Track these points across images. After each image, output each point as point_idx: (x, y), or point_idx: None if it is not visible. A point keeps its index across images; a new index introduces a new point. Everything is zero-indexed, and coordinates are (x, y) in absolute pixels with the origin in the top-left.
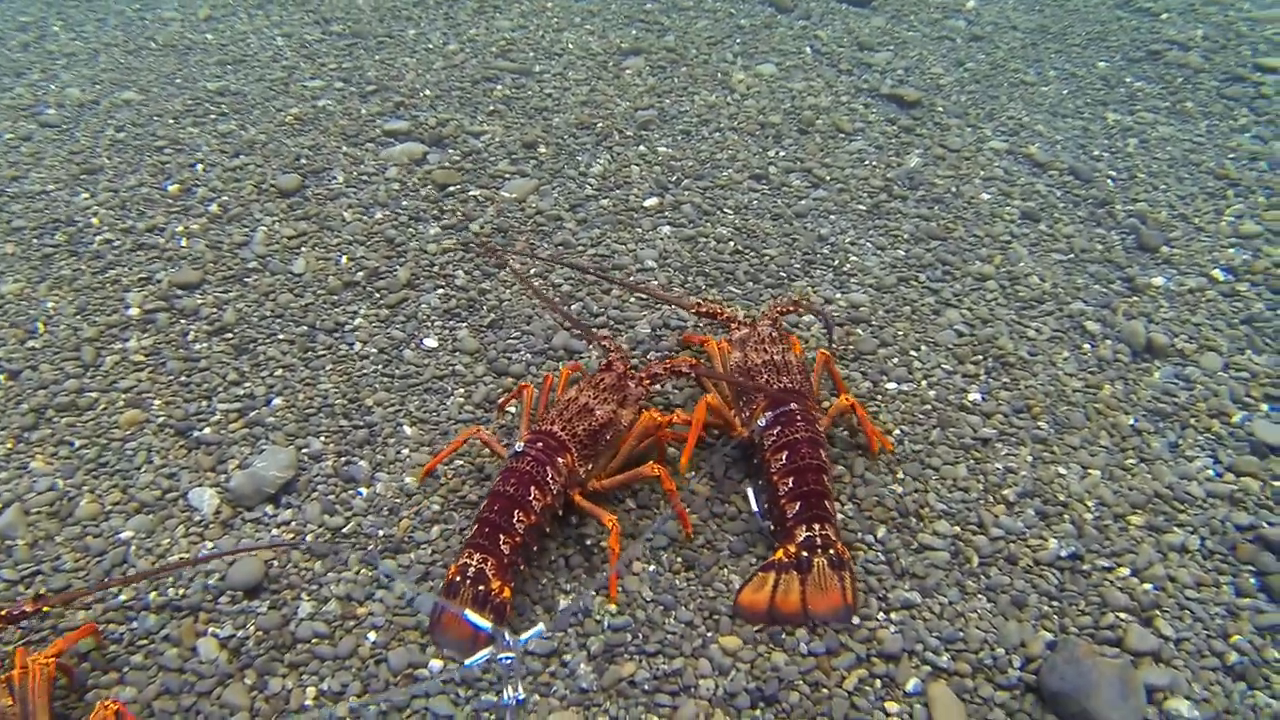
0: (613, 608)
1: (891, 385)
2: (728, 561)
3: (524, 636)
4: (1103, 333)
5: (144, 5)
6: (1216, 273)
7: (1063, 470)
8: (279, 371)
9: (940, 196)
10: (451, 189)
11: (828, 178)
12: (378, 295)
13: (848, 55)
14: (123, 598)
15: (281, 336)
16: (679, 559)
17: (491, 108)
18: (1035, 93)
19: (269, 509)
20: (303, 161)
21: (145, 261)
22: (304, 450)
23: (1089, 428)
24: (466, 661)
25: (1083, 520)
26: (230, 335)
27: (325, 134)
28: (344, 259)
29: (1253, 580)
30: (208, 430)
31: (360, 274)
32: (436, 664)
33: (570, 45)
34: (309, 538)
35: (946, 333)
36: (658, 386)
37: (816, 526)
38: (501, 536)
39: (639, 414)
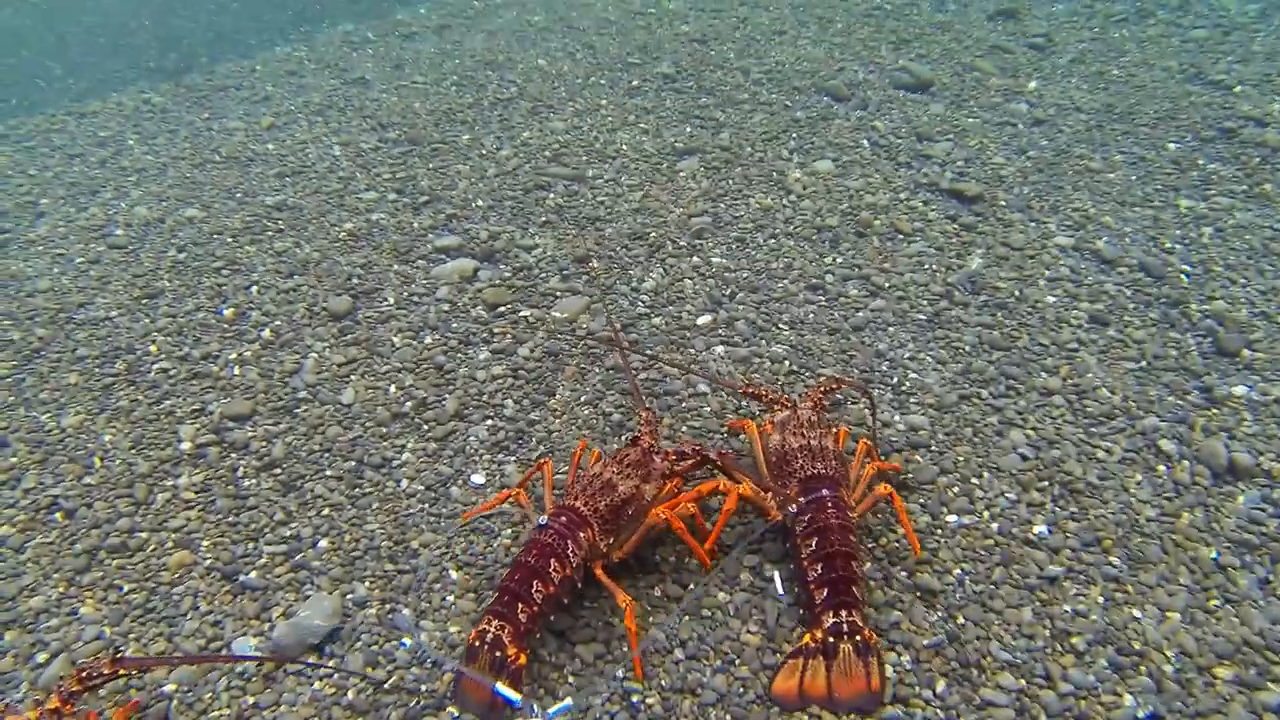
0: (639, 685)
1: (952, 518)
2: (778, 719)
3: (552, 710)
4: (1179, 453)
5: (212, 115)
6: None
7: (1138, 613)
8: (325, 511)
9: (1003, 302)
10: (502, 309)
11: (886, 285)
12: (425, 428)
13: (906, 147)
14: None
15: (329, 472)
16: (728, 716)
17: (544, 218)
18: (1102, 180)
19: (312, 660)
20: (354, 282)
21: (199, 392)
22: (349, 596)
23: (1166, 563)
24: None
25: (1161, 673)
26: (279, 471)
27: (378, 250)
28: (393, 388)
29: None
30: (254, 574)
31: (409, 404)
32: None
33: (624, 146)
34: (350, 693)
35: (1010, 456)
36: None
37: (844, 613)
38: (520, 605)
39: (662, 489)
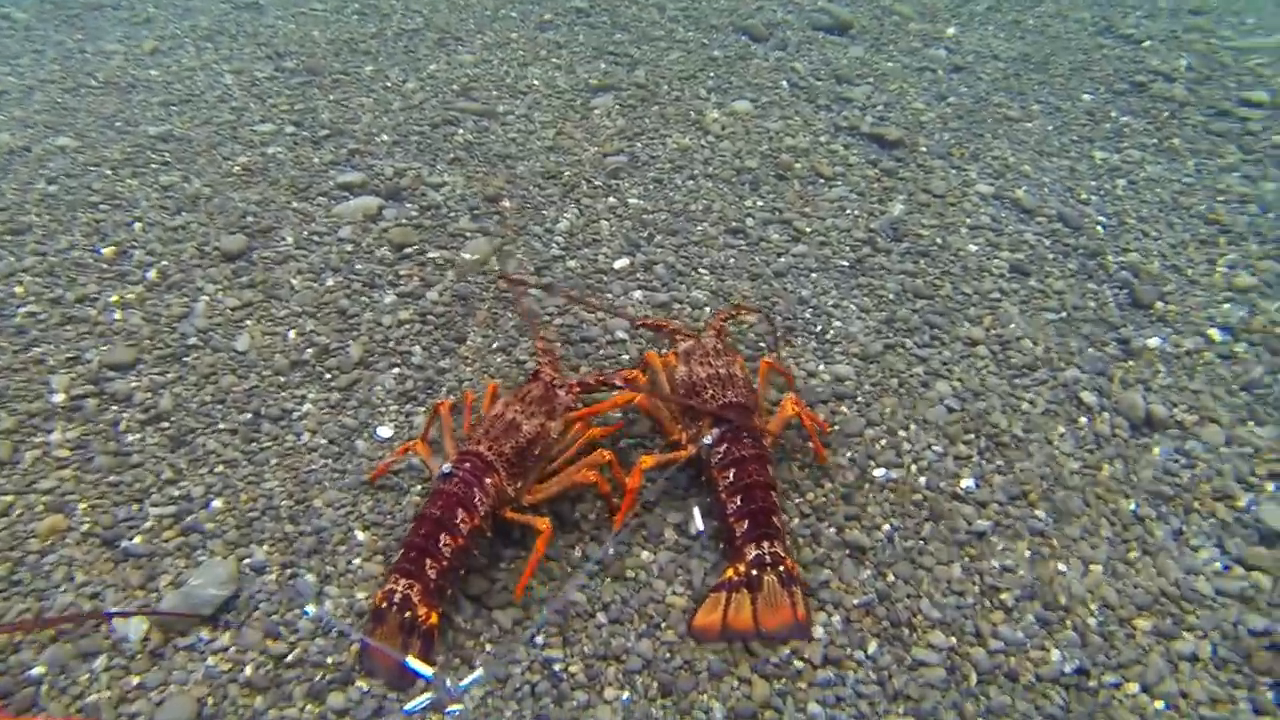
0: (518, 601)
1: (879, 472)
2: (708, 685)
3: (464, 682)
4: (1099, 404)
5: (86, 35)
6: (1213, 332)
7: (1063, 567)
8: (219, 468)
9: (926, 249)
10: (408, 250)
11: (808, 230)
12: (328, 377)
13: (826, 89)
14: None
15: (223, 426)
16: (655, 683)
17: (452, 155)
18: (1020, 129)
19: (204, 634)
20: (249, 220)
21: (74, 338)
22: (245, 561)
23: (1088, 515)
24: (404, 708)
25: (1086, 627)
26: (166, 425)
27: (275, 187)
28: (292, 333)
29: (1270, 694)
30: (138, 540)
31: (309, 351)
32: None
33: (536, 82)
34: (249, 668)
35: (937, 409)
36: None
37: (765, 544)
38: (428, 560)
39: (569, 424)
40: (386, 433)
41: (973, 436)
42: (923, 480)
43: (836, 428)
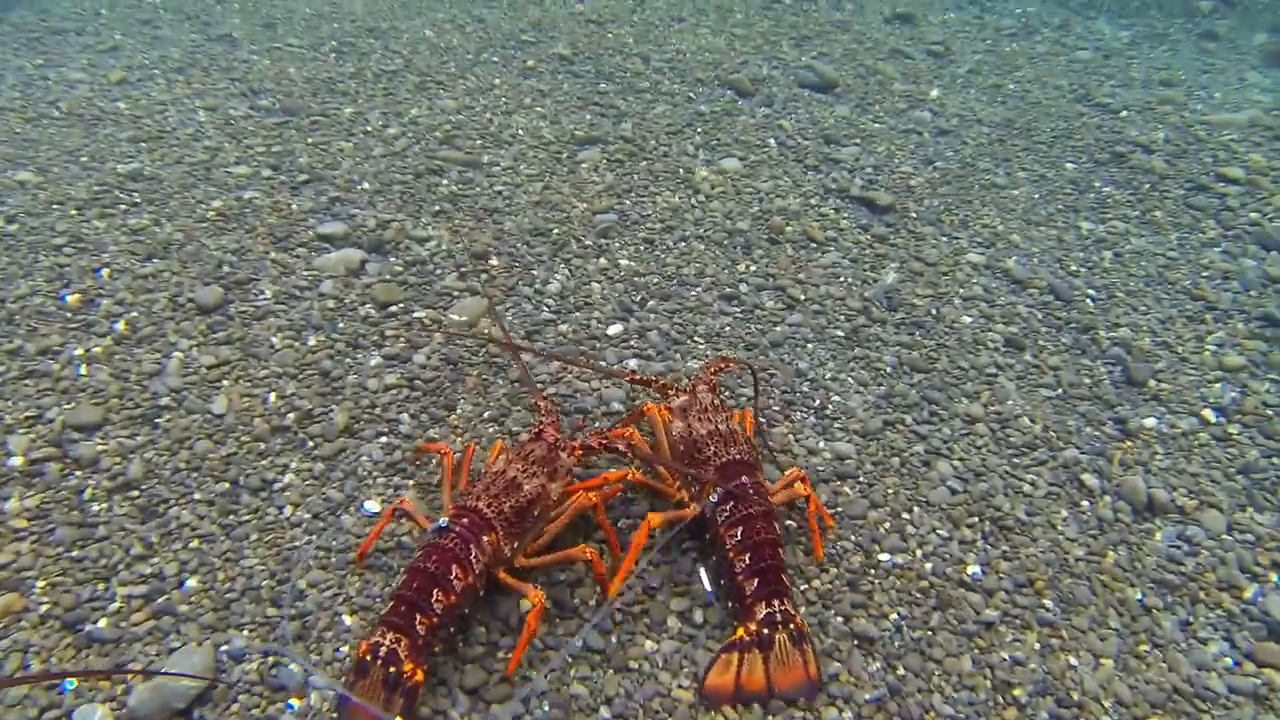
0: (510, 676)
1: (885, 557)
2: None
3: None
4: (1101, 487)
5: (47, 61)
6: (1208, 413)
7: (1074, 660)
8: (194, 543)
9: (921, 320)
10: (393, 308)
11: (803, 297)
12: (311, 444)
13: (814, 150)
14: None
15: (198, 496)
16: None
17: (437, 207)
18: (1007, 197)
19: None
20: (225, 270)
21: (34, 394)
22: (223, 649)
23: (1096, 605)
24: None
25: None
26: (136, 494)
27: (252, 235)
28: (272, 396)
29: None
30: (103, 623)
31: (291, 416)
32: None
33: (521, 131)
34: None
35: (939, 490)
36: (592, 458)
37: (776, 602)
38: (418, 616)
39: (569, 486)
40: (374, 507)
41: (976, 520)
42: (929, 566)
43: (840, 510)
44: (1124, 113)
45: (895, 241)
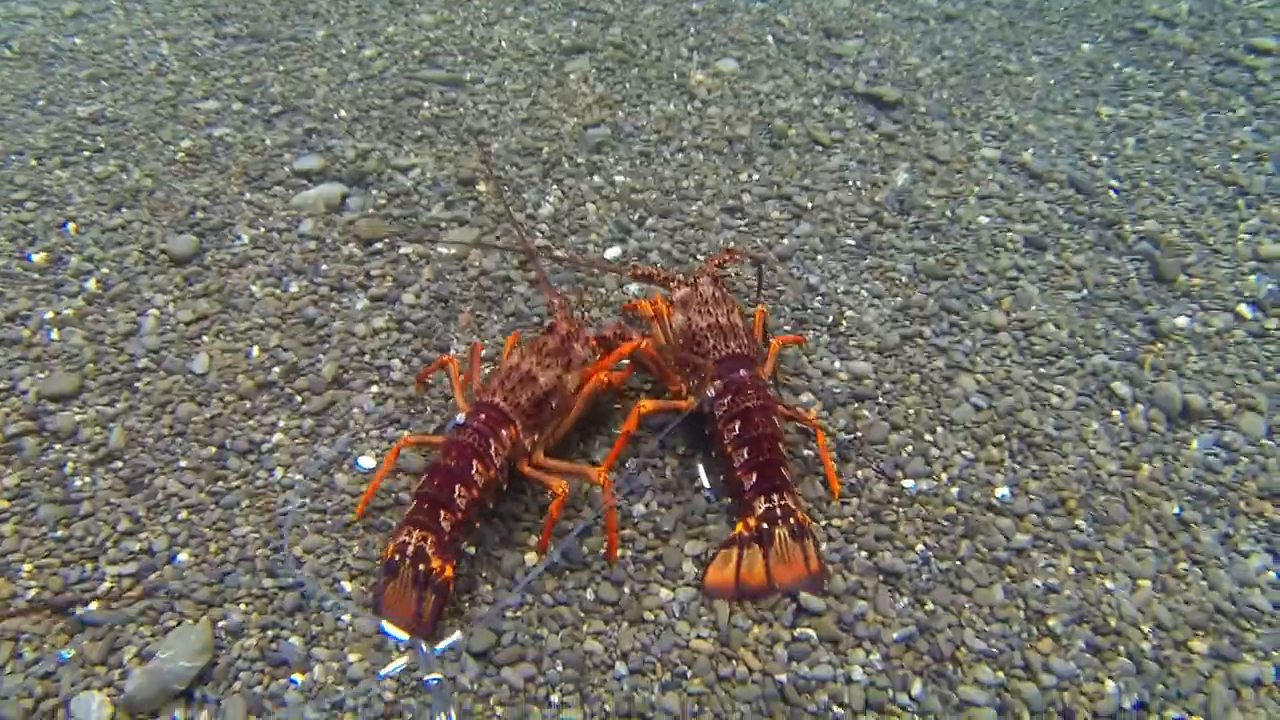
0: (532, 558)
1: (910, 483)
2: None
3: (439, 646)
4: (1132, 395)
5: None
6: (1243, 308)
7: (1110, 584)
8: (183, 514)
9: (935, 223)
10: (379, 246)
11: (810, 205)
12: (299, 400)
13: (814, 45)
14: None
15: (184, 464)
16: None
17: (419, 132)
18: (1021, 84)
19: (179, 713)
20: (198, 215)
21: (5, 364)
22: (221, 624)
23: (1131, 523)
24: (381, 672)
25: (1140, 653)
26: (120, 465)
27: (224, 175)
28: (255, 350)
29: None
30: (94, 606)
31: (276, 370)
32: None
33: (504, 44)
34: None
35: (963, 407)
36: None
37: (775, 497)
38: (442, 512)
39: (586, 378)
40: (369, 463)
41: (1003, 438)
42: (955, 491)
43: (860, 435)
44: None
45: (905, 140)
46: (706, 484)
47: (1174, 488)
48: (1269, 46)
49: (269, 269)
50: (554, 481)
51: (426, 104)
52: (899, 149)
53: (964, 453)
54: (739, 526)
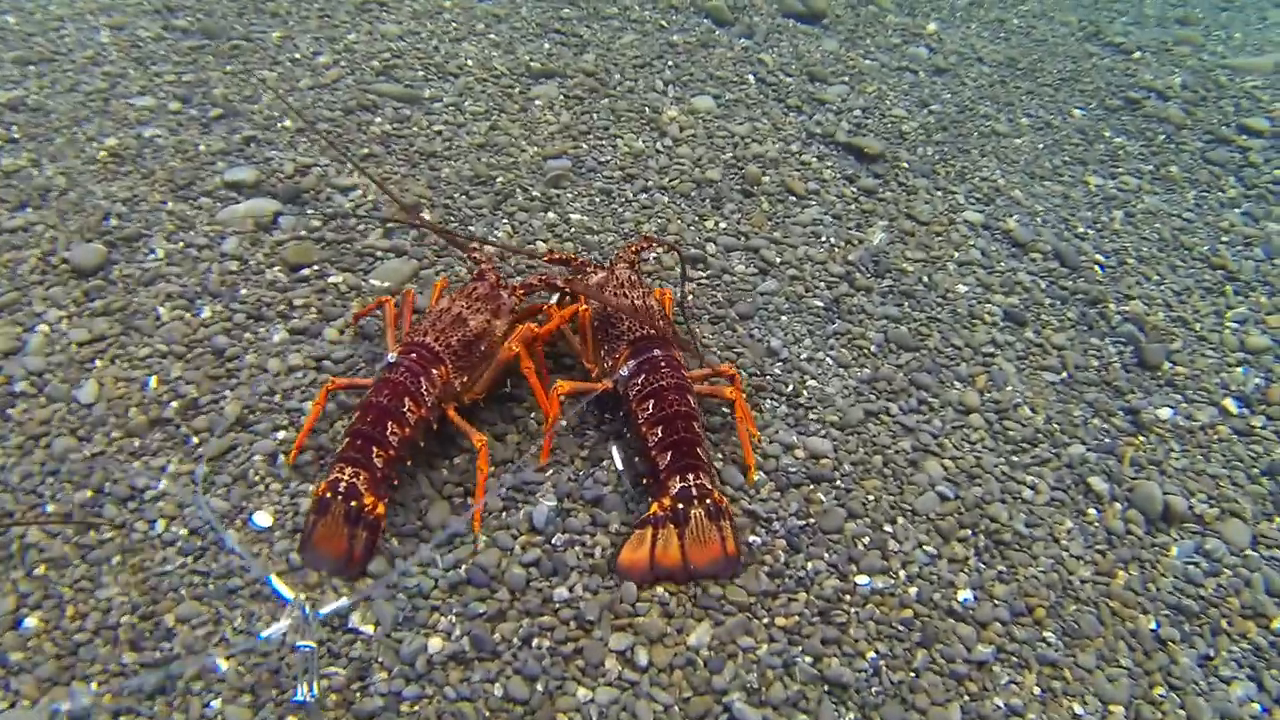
0: (482, 539)
1: (864, 580)
2: None
3: (324, 610)
4: (1110, 492)
5: None
6: (1229, 402)
7: (1079, 708)
8: (40, 569)
9: (911, 289)
10: (306, 272)
11: (778, 260)
12: (195, 441)
13: (797, 88)
14: None
15: (52, 508)
16: None
17: (366, 149)
18: (1009, 146)
19: None
20: (112, 223)
21: None
22: (64, 709)
23: (1104, 637)
24: (260, 633)
25: None
26: None
27: (148, 180)
28: (153, 381)
29: None
30: None
31: (173, 405)
32: None
33: (469, 62)
34: None
35: (928, 495)
36: (531, 297)
37: (691, 476)
38: (375, 449)
39: (512, 326)
40: (265, 520)
41: (969, 533)
42: (913, 591)
43: (813, 522)
44: (1137, 54)
45: (884, 195)
46: (619, 465)
47: (1151, 599)
48: (1261, 128)
49: (181, 289)
50: (474, 434)
51: (378, 119)
52: (877, 205)
53: (926, 548)
54: (654, 507)
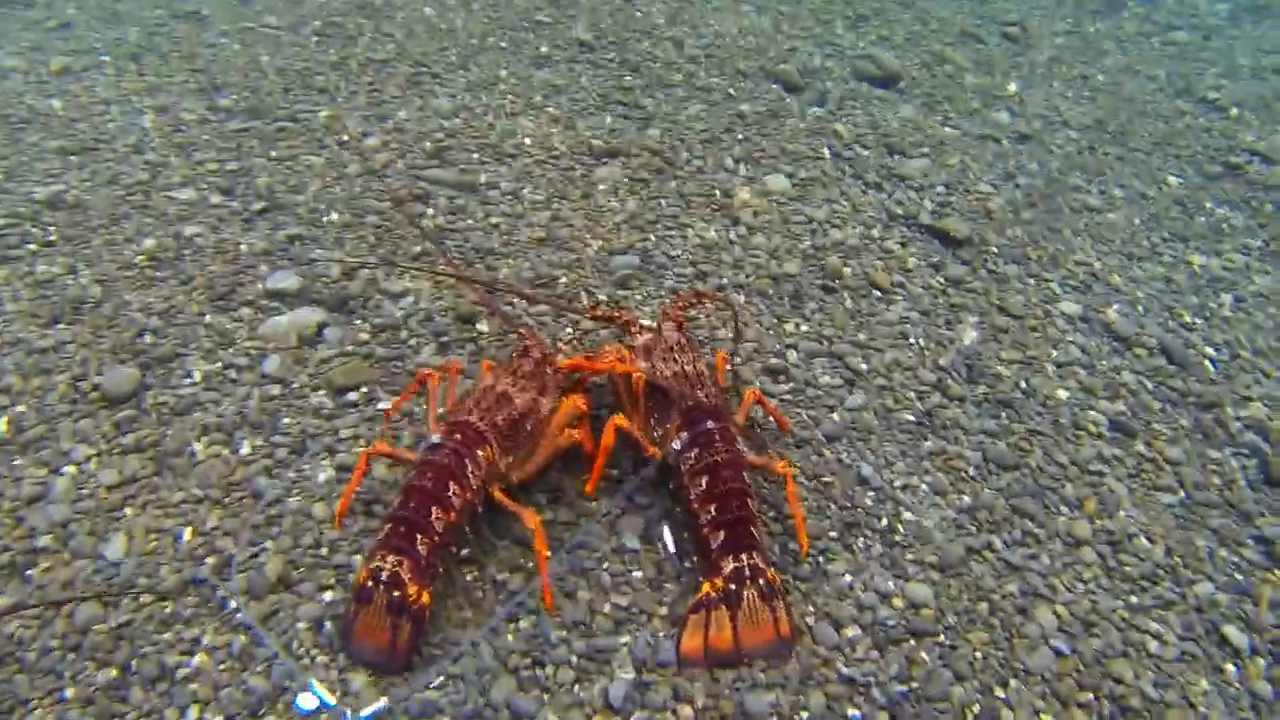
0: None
1: None
2: None
3: (364, 713)
4: (1249, 645)
5: None
6: None
7: None
8: None
9: (1008, 397)
10: (353, 395)
11: (865, 368)
12: (233, 605)
13: (875, 161)
14: None
15: (70, 693)
16: None
17: (419, 246)
18: (1103, 222)
19: None
20: (146, 340)
21: None
22: None
23: None
24: None
25: None
26: None
27: (186, 288)
28: (187, 533)
29: None
30: None
31: (209, 562)
32: None
33: (527, 140)
34: None
35: (1041, 652)
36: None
37: (744, 556)
38: (418, 536)
39: (558, 403)
40: (310, 704)
41: (1091, 697)
42: None
43: (916, 687)
44: (1234, 111)
45: (973, 285)
46: (670, 547)
47: None
48: None
49: (219, 420)
50: (526, 515)
51: (431, 211)
52: (967, 298)
53: (1043, 717)
54: (705, 587)
